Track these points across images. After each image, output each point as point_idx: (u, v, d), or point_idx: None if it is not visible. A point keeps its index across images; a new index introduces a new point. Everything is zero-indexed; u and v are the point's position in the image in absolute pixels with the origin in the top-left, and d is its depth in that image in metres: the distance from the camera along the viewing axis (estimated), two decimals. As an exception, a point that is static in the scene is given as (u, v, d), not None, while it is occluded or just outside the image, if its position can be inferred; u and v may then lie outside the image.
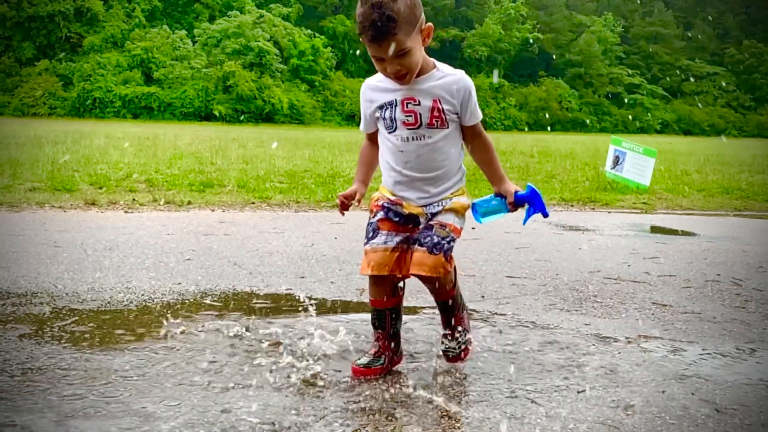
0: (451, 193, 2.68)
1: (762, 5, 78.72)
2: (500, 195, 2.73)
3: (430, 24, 2.52)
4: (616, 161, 10.82)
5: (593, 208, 8.40)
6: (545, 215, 2.70)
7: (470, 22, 60.84)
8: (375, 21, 2.35)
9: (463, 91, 2.58)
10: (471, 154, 2.75)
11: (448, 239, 2.62)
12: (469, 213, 2.74)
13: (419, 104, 2.57)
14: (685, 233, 6.73)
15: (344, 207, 2.78)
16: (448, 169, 2.65)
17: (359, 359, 2.77)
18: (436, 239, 2.59)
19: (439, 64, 2.61)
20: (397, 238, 2.68)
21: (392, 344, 2.80)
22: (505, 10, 62.47)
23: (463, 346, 2.81)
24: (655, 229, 7.05)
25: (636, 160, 10.43)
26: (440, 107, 2.56)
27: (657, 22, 74.41)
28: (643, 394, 2.63)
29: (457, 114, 2.61)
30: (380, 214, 2.71)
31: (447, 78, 2.58)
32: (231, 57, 47.77)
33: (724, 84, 71.97)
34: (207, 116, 45.52)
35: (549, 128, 56.43)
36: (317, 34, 54.49)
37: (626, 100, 66.03)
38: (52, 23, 48.06)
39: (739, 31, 77.66)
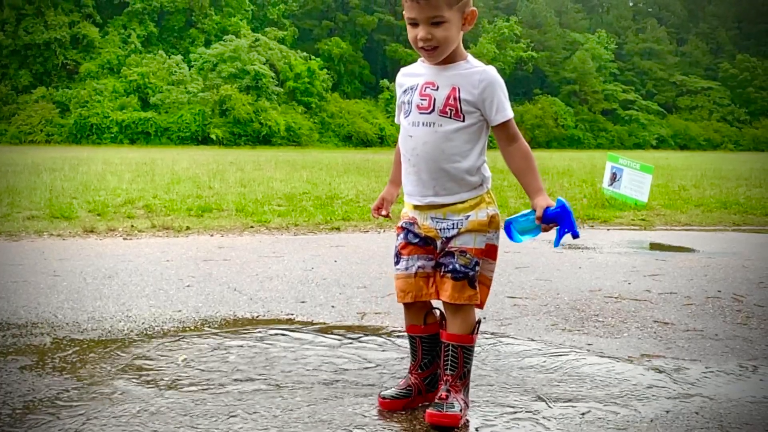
0: (462, 201, 2.52)
1: (754, 20, 79.29)
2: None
3: (474, 9, 2.47)
4: (614, 178, 10.84)
5: (592, 226, 8.40)
6: (575, 235, 2.42)
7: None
8: None
9: (486, 82, 2.46)
10: (507, 164, 2.57)
11: (471, 265, 2.50)
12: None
13: (437, 89, 2.48)
14: (684, 249, 6.74)
15: (385, 215, 2.75)
16: (459, 167, 2.49)
17: (386, 390, 2.69)
18: (458, 267, 2.50)
19: (471, 58, 2.53)
20: (419, 262, 2.58)
21: (426, 377, 2.68)
22: (499, 29, 62.85)
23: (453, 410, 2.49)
24: (654, 246, 7.05)
25: (633, 176, 10.45)
26: (457, 96, 2.46)
27: (650, 38, 74.87)
28: (647, 415, 2.61)
29: (477, 109, 2.47)
30: (400, 238, 2.62)
31: (473, 69, 2.49)
32: (227, 81, 47.93)
33: (718, 98, 72.31)
34: (204, 140, 45.61)
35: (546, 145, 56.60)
36: (313, 57, 54.74)
37: (622, 116, 66.31)
38: (48, 51, 48.24)
39: (732, 45, 78.12)
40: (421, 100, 2.51)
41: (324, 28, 61.04)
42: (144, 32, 52.71)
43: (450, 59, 2.50)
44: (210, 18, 55.01)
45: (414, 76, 2.58)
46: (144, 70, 47.95)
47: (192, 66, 50.32)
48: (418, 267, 2.59)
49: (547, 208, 2.44)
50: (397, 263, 2.63)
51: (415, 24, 2.44)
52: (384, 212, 2.76)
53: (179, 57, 50.59)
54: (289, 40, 56.82)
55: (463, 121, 2.48)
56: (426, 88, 2.51)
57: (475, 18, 2.48)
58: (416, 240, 2.59)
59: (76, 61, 49.02)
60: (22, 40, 47.55)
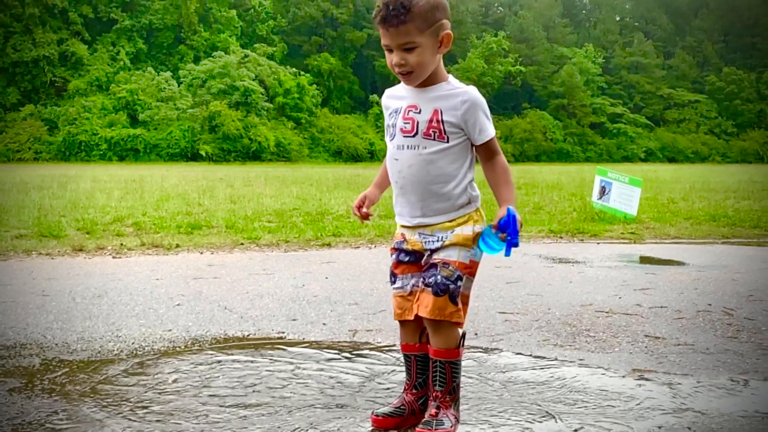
0: (450, 221, 2.54)
1: (740, 33, 79.98)
2: None
3: (449, 32, 2.48)
4: (603, 191, 10.89)
5: (582, 240, 8.42)
6: (513, 244, 2.42)
7: (453, 56, 61.50)
8: (389, 4, 2.38)
9: (469, 103, 2.48)
10: (485, 176, 2.60)
11: (453, 278, 2.51)
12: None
13: (419, 112, 2.51)
14: (674, 263, 6.75)
15: (363, 217, 2.75)
16: (445, 188, 2.52)
17: (380, 408, 2.69)
18: (440, 280, 2.50)
19: (452, 78, 2.56)
20: (413, 280, 2.61)
21: (420, 397, 2.68)
22: (488, 44, 63.16)
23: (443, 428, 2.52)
24: (644, 260, 7.07)
25: (622, 190, 10.49)
26: (440, 118, 2.48)
27: (637, 52, 75.38)
28: (640, 430, 2.61)
29: (461, 129, 2.50)
30: (393, 257, 2.67)
31: (454, 90, 2.51)
32: (216, 97, 47.94)
33: (705, 111, 72.84)
34: (193, 156, 45.56)
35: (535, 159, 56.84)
36: (302, 72, 54.87)
37: (610, 130, 66.67)
38: (36, 68, 48.21)
39: (719, 58, 78.74)
40: (405, 123, 2.54)
41: (313, 44, 61.20)
42: (133, 49, 52.74)
43: (430, 81, 2.53)
44: (199, 34, 55.12)
45: (398, 99, 2.61)
46: (133, 86, 47.92)
47: (181, 82, 50.33)
48: (413, 285, 2.61)
49: (502, 217, 2.45)
50: (393, 282, 2.67)
51: (390, 50, 2.47)
52: (365, 209, 2.75)
53: (168, 73, 50.60)
54: (278, 56, 56.95)
55: (447, 142, 2.51)
56: (409, 111, 2.54)
57: (450, 40, 2.49)
58: (407, 258, 2.63)
59: (64, 78, 48.97)
60: (10, 57, 47.52)
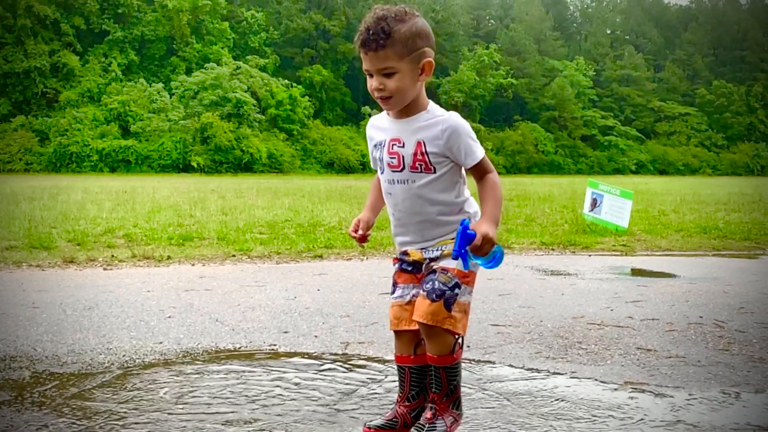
0: (453, 239, 2.51)
1: (729, 46, 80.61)
2: None
3: (431, 60, 2.48)
4: (594, 204, 10.91)
5: (573, 252, 8.43)
6: (454, 257, 2.42)
7: (445, 69, 61.69)
8: (369, 29, 2.38)
9: (450, 131, 2.46)
10: (477, 191, 2.60)
11: (451, 285, 2.50)
12: None
13: (403, 146, 2.51)
14: (665, 275, 6.77)
15: (360, 240, 2.73)
16: (442, 215, 2.54)
17: (373, 420, 2.69)
18: (437, 285, 2.50)
19: (432, 106, 2.54)
20: (414, 290, 2.61)
21: (413, 409, 2.67)
22: (479, 57, 63.44)
23: None
24: (635, 272, 7.08)
25: (613, 202, 10.52)
26: (423, 150, 2.47)
27: (628, 65, 75.88)
28: (632, 444, 2.61)
29: (446, 157, 2.49)
30: (396, 267, 2.68)
31: (434, 119, 2.49)
32: (208, 108, 47.96)
33: (696, 124, 73.31)
34: (185, 168, 45.53)
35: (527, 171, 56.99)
36: (294, 84, 54.97)
37: (601, 142, 66.97)
38: (27, 79, 48.15)
39: (709, 72, 79.36)
40: (391, 158, 2.54)
41: (305, 56, 61.37)
42: (125, 60, 52.76)
43: (411, 110, 2.52)
44: (191, 46, 55.18)
45: (381, 130, 2.61)
46: (124, 98, 47.92)
47: (173, 94, 50.35)
48: (413, 295, 2.62)
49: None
50: (393, 292, 2.67)
51: (371, 74, 2.48)
52: (361, 232, 2.74)
53: (160, 85, 50.63)
54: (270, 68, 57.06)
55: (435, 172, 2.51)
56: (393, 145, 2.54)
57: (432, 68, 2.49)
58: (410, 268, 2.63)
59: (56, 89, 48.94)
60: (1, 68, 47.49)
